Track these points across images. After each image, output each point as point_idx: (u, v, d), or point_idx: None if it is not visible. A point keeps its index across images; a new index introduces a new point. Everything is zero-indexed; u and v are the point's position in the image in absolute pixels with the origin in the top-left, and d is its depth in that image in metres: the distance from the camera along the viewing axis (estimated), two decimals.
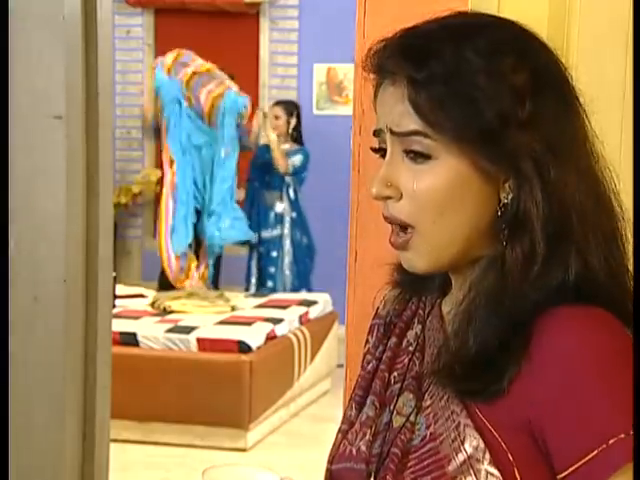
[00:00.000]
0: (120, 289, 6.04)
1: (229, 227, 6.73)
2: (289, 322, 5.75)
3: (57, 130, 2.10)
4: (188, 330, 5.36)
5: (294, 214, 6.89)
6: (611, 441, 0.97)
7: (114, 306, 4.93)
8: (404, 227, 1.11)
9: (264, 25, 7.93)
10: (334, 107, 7.76)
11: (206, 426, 5.13)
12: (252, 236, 6.81)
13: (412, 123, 1.07)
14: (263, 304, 6.13)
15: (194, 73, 6.59)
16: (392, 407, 1.16)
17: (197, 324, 5.48)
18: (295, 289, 6.81)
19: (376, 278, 1.28)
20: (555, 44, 1.13)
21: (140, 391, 5.09)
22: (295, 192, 6.88)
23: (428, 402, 1.11)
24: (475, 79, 1.05)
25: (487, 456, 1.04)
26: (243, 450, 5.12)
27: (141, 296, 6.30)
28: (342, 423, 1.23)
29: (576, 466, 0.99)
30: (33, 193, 2.13)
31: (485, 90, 1.05)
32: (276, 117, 6.85)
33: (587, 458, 0.98)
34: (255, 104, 7.91)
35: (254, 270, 6.99)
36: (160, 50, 8.14)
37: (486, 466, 1.03)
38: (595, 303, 1.05)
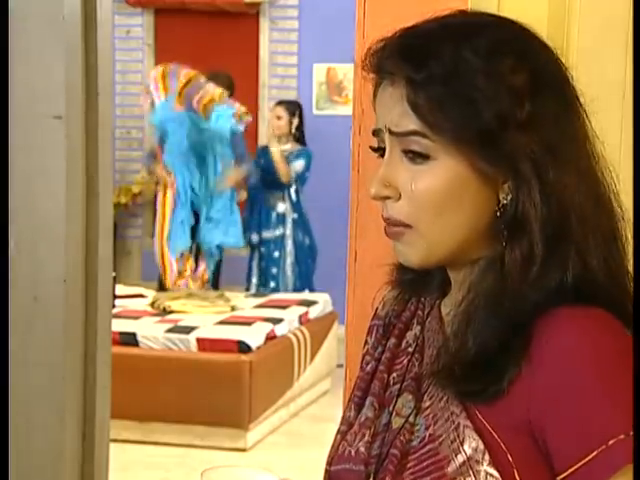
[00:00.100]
0: (120, 289, 6.03)
1: (223, 233, 6.74)
2: (289, 322, 5.75)
3: (57, 130, 2.10)
4: (188, 330, 5.36)
5: (296, 215, 6.89)
6: (611, 442, 0.97)
7: (114, 306, 4.93)
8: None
9: (264, 25, 7.92)
10: (334, 107, 7.76)
11: (206, 426, 5.13)
12: (242, 243, 6.82)
13: (411, 123, 1.07)
14: (263, 304, 6.12)
15: (187, 82, 6.57)
16: (391, 408, 1.15)
17: (197, 324, 5.48)
18: (297, 289, 6.80)
19: (376, 278, 1.28)
20: (555, 44, 1.13)
21: (140, 391, 5.09)
22: (297, 193, 6.88)
23: (427, 403, 1.11)
24: (474, 80, 1.04)
25: (486, 457, 1.03)
26: (243, 450, 5.12)
27: (141, 296, 6.30)
28: (341, 424, 1.22)
29: (576, 467, 0.99)
30: (33, 193, 2.13)
31: (484, 91, 1.04)
32: (278, 117, 6.84)
33: (587, 459, 0.98)
34: (255, 104, 7.92)
35: (255, 270, 6.99)
36: (160, 50, 8.15)
37: (485, 467, 1.03)
38: (595, 304, 1.05)
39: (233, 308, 5.94)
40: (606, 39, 1.63)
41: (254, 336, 5.31)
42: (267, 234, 6.90)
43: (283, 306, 6.04)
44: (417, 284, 1.23)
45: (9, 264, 2.04)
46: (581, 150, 1.09)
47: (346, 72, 7.49)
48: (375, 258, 1.29)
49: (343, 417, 1.23)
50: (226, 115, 6.57)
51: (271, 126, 6.98)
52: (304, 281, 6.90)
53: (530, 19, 1.14)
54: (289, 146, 6.86)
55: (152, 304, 6.00)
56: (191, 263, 6.74)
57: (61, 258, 2.14)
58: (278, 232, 6.89)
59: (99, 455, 2.31)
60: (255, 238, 6.94)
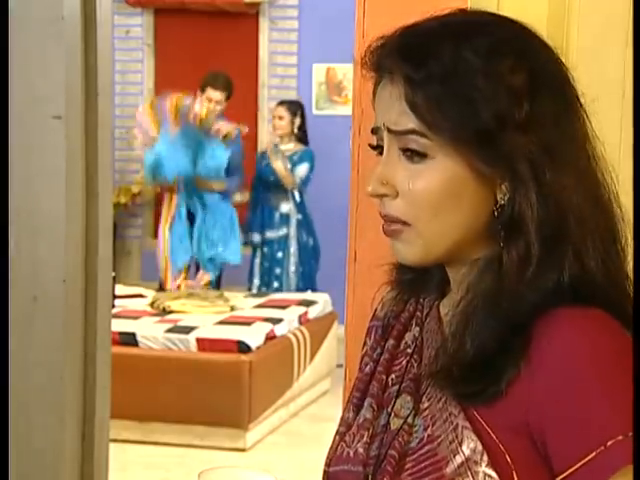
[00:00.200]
0: (119, 289, 6.03)
1: (223, 250, 6.75)
2: (288, 322, 5.75)
3: (57, 130, 2.10)
4: (187, 330, 5.36)
5: (300, 216, 6.88)
6: (609, 443, 0.97)
7: (113, 306, 4.93)
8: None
9: (264, 25, 7.92)
10: (333, 107, 7.76)
11: (205, 426, 5.13)
12: (239, 260, 6.82)
13: (409, 122, 1.07)
14: (262, 304, 6.12)
15: (177, 103, 6.55)
16: (390, 409, 1.15)
17: (196, 324, 5.48)
18: (300, 290, 6.79)
19: (375, 278, 1.28)
20: (554, 43, 1.12)
21: (139, 391, 5.08)
22: (301, 193, 6.87)
23: (426, 404, 1.11)
24: (473, 80, 1.04)
25: (485, 458, 1.03)
26: (242, 450, 5.12)
27: (140, 296, 6.30)
28: (339, 425, 1.22)
29: (574, 468, 0.98)
30: (33, 193, 2.13)
31: (482, 91, 1.04)
32: (280, 118, 6.83)
33: (585, 460, 0.98)
34: (254, 104, 7.93)
35: (257, 270, 6.98)
36: (159, 50, 8.15)
37: (484, 468, 1.03)
38: (593, 304, 1.05)
39: (233, 308, 5.94)
40: (606, 38, 1.63)
41: (254, 336, 5.31)
42: (270, 234, 6.89)
43: (283, 306, 6.04)
44: (416, 284, 1.23)
45: (9, 264, 2.04)
46: (580, 151, 1.09)
47: (346, 72, 7.49)
48: (375, 258, 1.28)
49: (342, 418, 1.23)
50: (221, 151, 6.56)
51: (273, 126, 6.98)
52: (307, 282, 6.89)
53: (530, 18, 1.14)
54: (292, 146, 6.86)
55: (152, 304, 6.00)
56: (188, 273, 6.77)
57: (61, 258, 2.14)
58: (282, 232, 6.87)
59: (99, 455, 2.31)
60: (257, 238, 6.93)
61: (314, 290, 6.81)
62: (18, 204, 2.11)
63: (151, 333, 5.33)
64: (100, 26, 2.20)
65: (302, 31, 7.85)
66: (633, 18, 1.49)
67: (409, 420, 1.11)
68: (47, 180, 2.12)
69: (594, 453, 0.97)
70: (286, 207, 6.87)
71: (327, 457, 1.21)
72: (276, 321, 5.64)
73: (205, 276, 6.71)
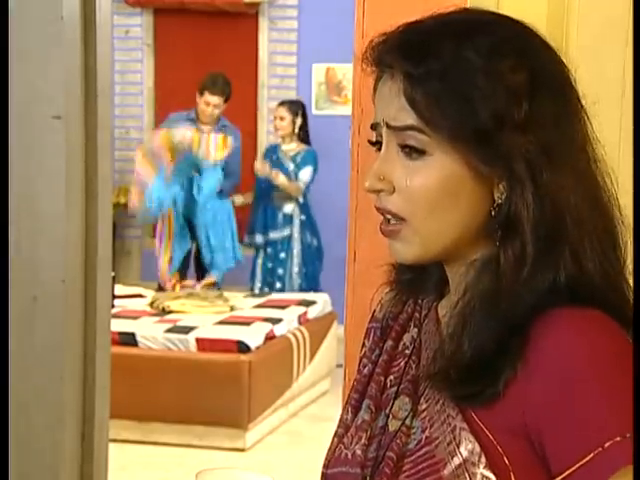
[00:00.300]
0: (119, 289, 6.03)
1: (223, 258, 6.77)
2: (288, 322, 5.75)
3: (56, 130, 2.10)
4: (187, 330, 5.36)
5: (303, 216, 6.86)
6: (607, 444, 0.96)
7: (113, 306, 4.92)
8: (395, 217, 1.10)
9: (263, 25, 7.92)
10: (333, 107, 7.76)
11: (205, 426, 5.13)
12: (233, 264, 6.84)
13: (408, 118, 1.06)
14: (262, 304, 6.12)
15: (167, 139, 6.56)
16: (388, 411, 1.15)
17: (196, 324, 5.48)
18: (303, 291, 6.77)
19: (375, 278, 1.28)
20: (554, 42, 1.12)
21: (139, 391, 5.08)
22: (304, 194, 6.87)
23: (424, 406, 1.10)
24: (473, 78, 1.04)
25: (483, 460, 1.03)
26: (242, 450, 5.12)
27: (140, 296, 6.30)
28: (338, 427, 1.22)
29: (572, 469, 0.98)
30: (33, 193, 2.13)
31: (482, 89, 1.04)
32: (281, 118, 6.81)
33: (583, 461, 0.97)
34: (254, 104, 7.92)
35: (259, 271, 6.97)
36: (159, 50, 8.14)
37: (482, 470, 1.03)
38: (592, 305, 1.04)
39: (232, 308, 5.94)
40: (605, 37, 1.64)
41: (253, 336, 5.31)
42: (274, 235, 6.87)
43: (282, 306, 6.04)
44: (414, 283, 1.23)
45: (9, 264, 2.04)
46: (580, 153, 1.09)
47: (345, 72, 7.49)
48: (374, 258, 1.28)
49: (340, 420, 1.22)
50: (212, 177, 6.58)
51: (274, 127, 6.97)
52: (310, 282, 6.87)
53: (529, 17, 1.14)
54: (294, 146, 6.85)
55: (151, 304, 6.00)
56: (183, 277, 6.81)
57: (60, 258, 2.14)
58: (285, 233, 6.86)
59: (98, 455, 2.31)
60: (260, 239, 6.92)
61: (317, 291, 6.80)
62: (18, 204, 2.11)
63: (151, 333, 5.33)
64: (99, 26, 2.20)
65: (302, 31, 7.85)
66: (633, 17, 1.50)
67: (407, 422, 1.11)
68: (47, 180, 2.12)
69: (592, 454, 0.97)
70: (289, 208, 6.86)
71: (325, 459, 1.21)
72: (276, 321, 5.64)
73: (210, 278, 6.72)
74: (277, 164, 6.81)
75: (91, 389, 2.26)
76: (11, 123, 2.04)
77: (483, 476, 1.03)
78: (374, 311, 1.30)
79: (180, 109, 6.97)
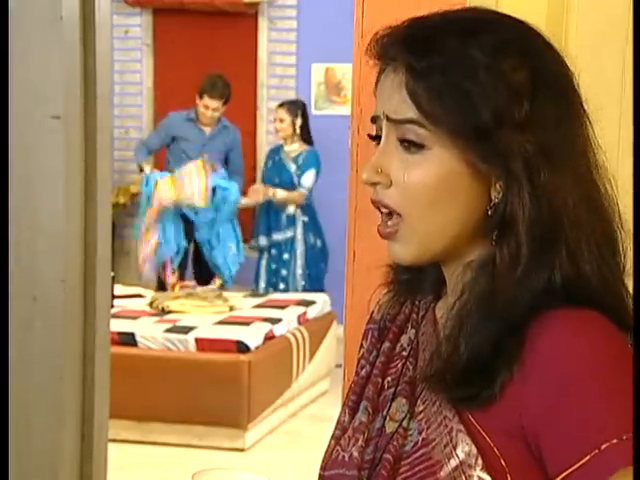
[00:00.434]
0: (118, 289, 6.03)
1: (229, 260, 6.81)
2: (287, 322, 5.75)
3: (56, 130, 2.10)
4: (186, 330, 5.36)
5: (306, 217, 6.86)
6: (604, 446, 0.96)
7: (112, 306, 4.92)
8: (391, 214, 1.10)
9: (262, 25, 7.92)
10: (332, 107, 7.75)
11: (205, 426, 5.13)
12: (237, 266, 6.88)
13: (409, 111, 1.06)
14: (261, 304, 6.12)
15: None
16: (385, 412, 1.15)
17: (195, 324, 5.48)
18: (307, 292, 6.76)
19: (374, 278, 1.27)
20: (553, 41, 1.12)
21: (138, 391, 5.09)
22: (306, 196, 6.86)
23: (421, 407, 1.10)
24: (475, 74, 1.04)
25: (479, 462, 1.03)
26: (241, 450, 5.12)
27: (139, 296, 6.30)
28: (335, 429, 1.21)
29: (569, 471, 0.98)
30: (32, 193, 2.13)
31: (484, 86, 1.04)
32: (280, 120, 6.80)
33: (580, 463, 0.97)
34: (253, 104, 7.92)
35: (262, 272, 6.96)
36: (159, 50, 8.14)
37: (478, 472, 1.02)
38: (589, 307, 1.04)
39: (231, 308, 5.94)
40: (605, 36, 1.64)
41: (253, 336, 5.31)
42: (277, 236, 6.86)
43: (281, 306, 6.04)
44: (412, 284, 1.22)
45: (9, 264, 2.04)
46: (580, 156, 1.08)
47: (345, 72, 7.48)
48: (373, 258, 1.28)
49: (337, 421, 1.22)
50: (233, 187, 6.66)
51: (275, 129, 6.97)
52: (314, 283, 6.85)
53: (529, 16, 1.14)
54: (296, 146, 6.84)
55: (151, 304, 6.00)
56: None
57: (60, 258, 2.14)
58: (288, 234, 6.85)
59: (98, 455, 2.31)
60: (264, 241, 6.91)
61: (322, 292, 6.79)
62: (18, 204, 2.11)
63: (150, 333, 5.33)
64: (99, 26, 2.20)
65: (301, 31, 7.84)
66: (633, 16, 1.50)
67: (404, 423, 1.11)
68: (46, 180, 2.12)
69: (588, 456, 0.96)
70: (292, 208, 6.85)
71: (322, 461, 1.20)
72: (275, 321, 5.64)
73: (218, 280, 6.74)
74: (279, 165, 6.81)
75: (90, 389, 2.26)
76: (11, 123, 2.04)
77: (480, 478, 1.02)
78: (372, 312, 1.29)
79: (179, 109, 6.98)
